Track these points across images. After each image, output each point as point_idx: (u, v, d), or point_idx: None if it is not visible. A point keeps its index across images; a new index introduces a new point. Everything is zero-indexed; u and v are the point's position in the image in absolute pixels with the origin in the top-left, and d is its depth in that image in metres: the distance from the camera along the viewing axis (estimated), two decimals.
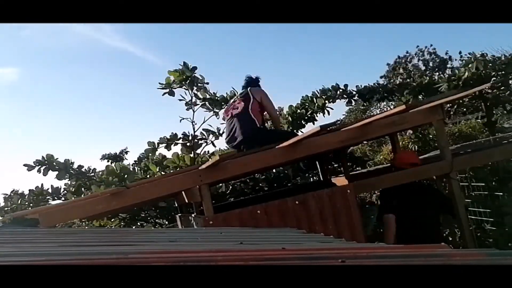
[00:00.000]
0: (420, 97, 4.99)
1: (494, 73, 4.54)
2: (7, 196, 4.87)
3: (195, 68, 4.24)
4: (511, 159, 3.74)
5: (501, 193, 3.85)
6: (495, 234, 3.88)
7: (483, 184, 4.01)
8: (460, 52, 21.04)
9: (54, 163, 4.35)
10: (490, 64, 4.49)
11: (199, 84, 4.35)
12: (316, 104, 5.06)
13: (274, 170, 5.04)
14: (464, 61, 4.85)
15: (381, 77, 22.04)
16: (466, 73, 4.53)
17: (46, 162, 4.31)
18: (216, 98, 4.57)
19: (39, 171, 4.30)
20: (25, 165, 4.28)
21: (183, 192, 3.20)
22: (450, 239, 4.31)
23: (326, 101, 5.08)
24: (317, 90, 5.15)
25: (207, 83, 4.38)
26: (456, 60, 21.42)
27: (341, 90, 5.14)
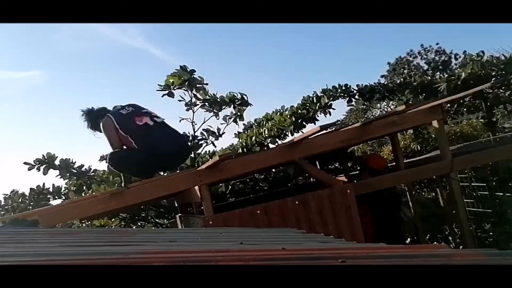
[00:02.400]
0: (420, 97, 4.99)
1: (494, 73, 4.54)
2: (7, 195, 4.87)
3: (193, 70, 4.26)
4: (511, 159, 3.74)
5: (501, 193, 3.85)
6: (495, 234, 3.88)
7: (484, 184, 4.01)
8: (464, 52, 21.04)
9: (55, 162, 4.36)
10: (487, 65, 4.50)
11: (198, 85, 4.36)
12: (319, 104, 5.05)
13: (273, 170, 5.04)
14: (461, 62, 4.92)
15: (382, 77, 22.01)
16: (463, 74, 4.54)
17: (47, 161, 4.31)
18: (216, 98, 4.57)
19: (38, 169, 4.30)
20: (25, 163, 4.28)
21: (183, 192, 3.20)
22: (450, 239, 4.31)
23: (329, 100, 5.08)
24: (318, 91, 5.16)
25: (206, 84, 4.39)
26: (460, 57, 21.40)
27: (342, 89, 5.14)
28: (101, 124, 3.62)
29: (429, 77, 5.29)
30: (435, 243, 4.29)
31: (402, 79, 5.83)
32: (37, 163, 4.30)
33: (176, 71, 4.23)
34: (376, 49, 36.27)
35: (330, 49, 38.80)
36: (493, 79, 4.45)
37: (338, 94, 5.13)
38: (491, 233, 3.95)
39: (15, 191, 4.91)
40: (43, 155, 4.31)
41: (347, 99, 5.29)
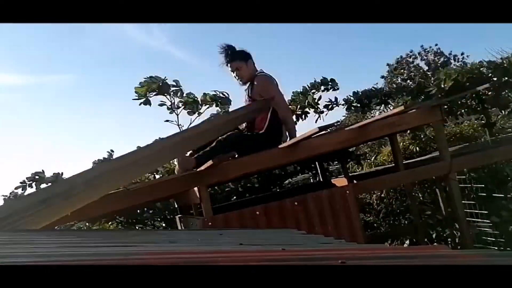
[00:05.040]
0: (418, 99, 5.01)
1: (490, 74, 4.55)
2: (7, 197, 4.86)
3: (164, 79, 4.23)
4: (510, 160, 3.75)
5: (501, 194, 3.86)
6: (494, 235, 3.88)
7: (483, 185, 4.02)
8: (462, 53, 21.00)
9: (45, 178, 4.33)
10: (466, 73, 4.52)
11: (174, 89, 4.33)
12: (307, 100, 5.01)
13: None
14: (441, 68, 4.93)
15: (381, 77, 21.99)
16: (444, 84, 4.56)
17: (37, 178, 4.29)
18: (195, 99, 4.53)
19: (30, 186, 4.30)
20: (17, 187, 4.29)
21: (182, 193, 3.20)
22: (450, 240, 4.31)
23: (316, 96, 5.03)
24: (307, 85, 5.10)
25: (180, 86, 4.38)
26: (461, 58, 21.42)
27: (330, 84, 5.07)
28: (267, 81, 3.48)
29: (424, 80, 5.32)
30: (434, 244, 4.29)
31: (401, 81, 5.87)
32: (29, 181, 4.29)
33: (144, 80, 4.18)
34: (378, 49, 36.12)
35: (330, 47, 38.55)
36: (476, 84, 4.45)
37: (326, 88, 5.07)
38: (490, 234, 3.95)
39: (14, 193, 4.91)
40: (31, 173, 4.30)
41: (346, 107, 5.30)
